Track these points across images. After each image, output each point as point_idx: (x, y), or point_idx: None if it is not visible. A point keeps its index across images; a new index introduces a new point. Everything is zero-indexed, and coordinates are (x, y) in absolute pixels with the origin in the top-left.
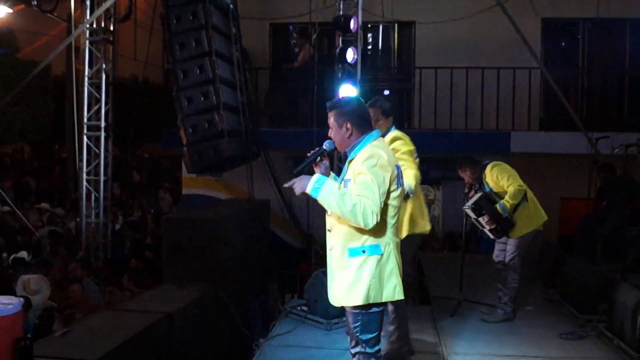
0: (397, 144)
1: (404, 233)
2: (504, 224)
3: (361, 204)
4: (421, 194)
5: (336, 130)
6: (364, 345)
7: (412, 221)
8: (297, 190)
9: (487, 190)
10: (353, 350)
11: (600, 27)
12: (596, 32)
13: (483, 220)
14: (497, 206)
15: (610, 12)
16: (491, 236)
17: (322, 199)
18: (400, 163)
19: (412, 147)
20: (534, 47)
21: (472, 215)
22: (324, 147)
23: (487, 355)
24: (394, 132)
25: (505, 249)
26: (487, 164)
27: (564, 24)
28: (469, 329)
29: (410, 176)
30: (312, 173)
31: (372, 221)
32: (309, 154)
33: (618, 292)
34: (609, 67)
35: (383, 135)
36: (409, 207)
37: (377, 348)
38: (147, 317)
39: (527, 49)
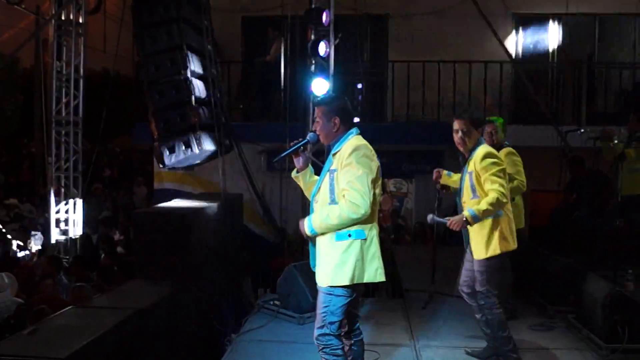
0: (488, 161)
1: (497, 251)
2: None
3: (343, 208)
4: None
5: (324, 123)
6: (328, 326)
7: (504, 240)
8: (305, 235)
9: None
10: (317, 332)
11: (570, 23)
12: (566, 28)
13: (430, 219)
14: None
15: (579, 8)
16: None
17: (320, 231)
18: (490, 180)
19: (504, 166)
20: (506, 41)
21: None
22: (307, 138)
23: (458, 348)
24: (485, 148)
25: None
26: (507, 145)
27: (534, 19)
28: (441, 322)
29: (490, 200)
30: (292, 162)
31: (361, 213)
32: (292, 144)
33: (587, 284)
34: (578, 61)
35: (473, 149)
36: (501, 224)
37: (340, 331)
38: (117, 313)
39: (499, 43)
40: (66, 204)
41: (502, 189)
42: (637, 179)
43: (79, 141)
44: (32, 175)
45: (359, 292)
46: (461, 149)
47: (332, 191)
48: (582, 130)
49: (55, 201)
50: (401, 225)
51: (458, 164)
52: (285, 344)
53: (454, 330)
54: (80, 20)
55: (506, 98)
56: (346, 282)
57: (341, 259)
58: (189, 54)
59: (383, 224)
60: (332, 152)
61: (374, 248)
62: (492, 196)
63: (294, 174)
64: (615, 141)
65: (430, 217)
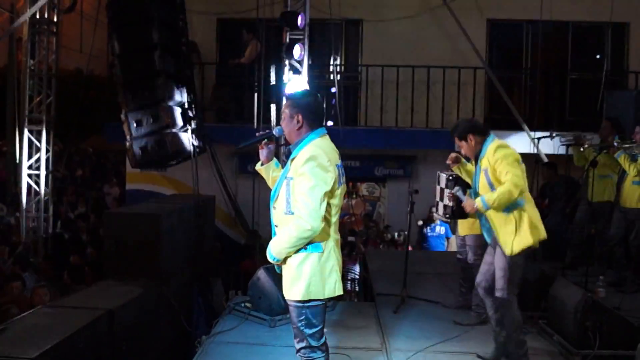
0: (500, 153)
1: (530, 242)
2: (461, 210)
3: (292, 230)
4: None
5: (287, 120)
6: (308, 339)
7: (534, 228)
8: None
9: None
10: (298, 345)
11: (543, 29)
12: (539, 34)
13: (447, 192)
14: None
15: (553, 15)
16: (440, 212)
17: (281, 257)
18: (505, 171)
19: (518, 156)
20: (479, 47)
21: (443, 183)
22: (273, 131)
23: (430, 352)
24: (495, 142)
25: (464, 246)
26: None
27: (508, 25)
28: (413, 326)
29: (502, 189)
30: (257, 153)
31: (308, 230)
32: (257, 134)
33: (558, 290)
34: (551, 68)
35: (480, 152)
36: (527, 213)
37: (322, 341)
38: (87, 313)
39: (472, 49)
40: (37, 202)
41: (515, 179)
42: (606, 185)
43: (51, 140)
44: (4, 174)
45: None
46: (471, 157)
47: (288, 200)
48: (554, 134)
49: (27, 200)
50: (373, 229)
51: (429, 168)
52: (256, 347)
53: (425, 335)
54: (55, 19)
55: (479, 104)
56: (299, 298)
57: (297, 272)
58: (163, 54)
59: (355, 228)
60: (291, 156)
61: (332, 261)
62: (505, 186)
63: (258, 166)
64: (586, 145)
65: (456, 189)
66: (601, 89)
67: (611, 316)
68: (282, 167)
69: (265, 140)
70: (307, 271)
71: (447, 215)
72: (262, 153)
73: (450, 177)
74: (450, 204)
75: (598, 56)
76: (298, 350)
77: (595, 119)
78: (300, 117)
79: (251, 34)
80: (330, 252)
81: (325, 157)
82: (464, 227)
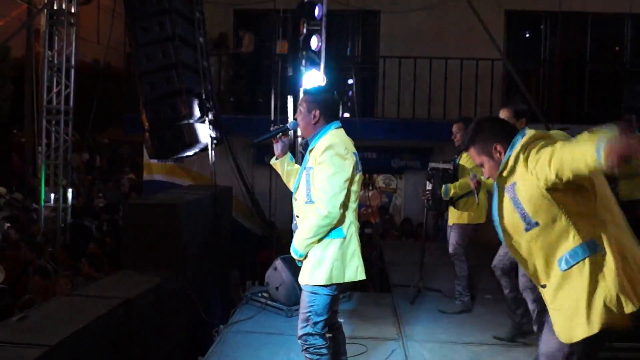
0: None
1: None
2: (436, 202)
3: (312, 220)
4: None
5: (304, 115)
6: (312, 325)
7: None
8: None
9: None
10: (301, 332)
11: (562, 21)
12: (558, 26)
13: (428, 186)
14: (443, 186)
15: (572, 6)
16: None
17: (304, 250)
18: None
19: None
20: (497, 38)
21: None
22: (287, 125)
23: (445, 343)
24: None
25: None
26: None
27: (527, 16)
28: (429, 317)
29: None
30: (271, 146)
31: (325, 216)
32: (272, 128)
33: None
34: (570, 60)
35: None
36: None
37: (325, 330)
38: (105, 303)
39: (490, 41)
40: (56, 193)
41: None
42: (637, 183)
43: (70, 130)
44: (22, 164)
45: (343, 290)
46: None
47: (308, 189)
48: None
49: (45, 190)
50: (389, 221)
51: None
52: (273, 336)
53: (441, 325)
54: (72, 10)
55: (497, 96)
56: (322, 282)
57: (319, 258)
58: (181, 45)
59: (371, 220)
60: (309, 148)
61: (354, 246)
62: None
63: (272, 160)
64: None
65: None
66: (621, 81)
67: None
68: (297, 161)
69: (280, 134)
70: (330, 256)
71: (429, 206)
72: (277, 147)
73: (430, 171)
74: (429, 197)
75: (617, 48)
76: (300, 337)
77: (614, 112)
78: (317, 112)
79: (243, 29)
80: (352, 237)
81: (342, 145)
82: (453, 216)
